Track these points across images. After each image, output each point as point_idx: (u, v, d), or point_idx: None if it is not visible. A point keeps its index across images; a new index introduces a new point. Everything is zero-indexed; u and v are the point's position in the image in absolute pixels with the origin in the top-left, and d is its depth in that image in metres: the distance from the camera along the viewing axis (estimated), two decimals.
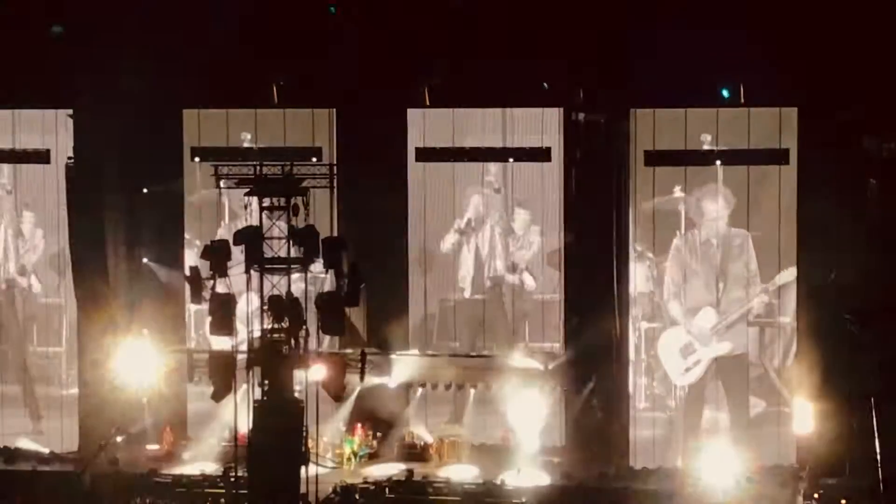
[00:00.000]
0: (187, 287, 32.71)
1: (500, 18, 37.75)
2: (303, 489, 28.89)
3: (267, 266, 28.60)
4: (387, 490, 35.62)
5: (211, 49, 37.59)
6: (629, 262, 38.29)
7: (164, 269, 40.98)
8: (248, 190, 29.50)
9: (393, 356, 39.01)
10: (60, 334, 40.63)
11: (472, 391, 39.61)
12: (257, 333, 28.53)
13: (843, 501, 35.35)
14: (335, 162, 37.65)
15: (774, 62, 35.69)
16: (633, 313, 38.39)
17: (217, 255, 28.64)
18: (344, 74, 38.65)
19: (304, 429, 28.39)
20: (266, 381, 28.16)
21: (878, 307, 36.96)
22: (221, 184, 30.03)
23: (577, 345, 39.04)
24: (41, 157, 40.07)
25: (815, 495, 35.67)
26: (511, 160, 39.23)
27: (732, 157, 37.56)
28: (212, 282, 28.64)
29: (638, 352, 38.46)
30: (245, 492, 29.25)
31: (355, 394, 38.20)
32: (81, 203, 39.62)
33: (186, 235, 40.44)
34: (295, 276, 28.79)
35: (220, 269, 28.50)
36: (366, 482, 36.26)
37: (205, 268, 29.01)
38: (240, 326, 29.34)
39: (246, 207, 29.46)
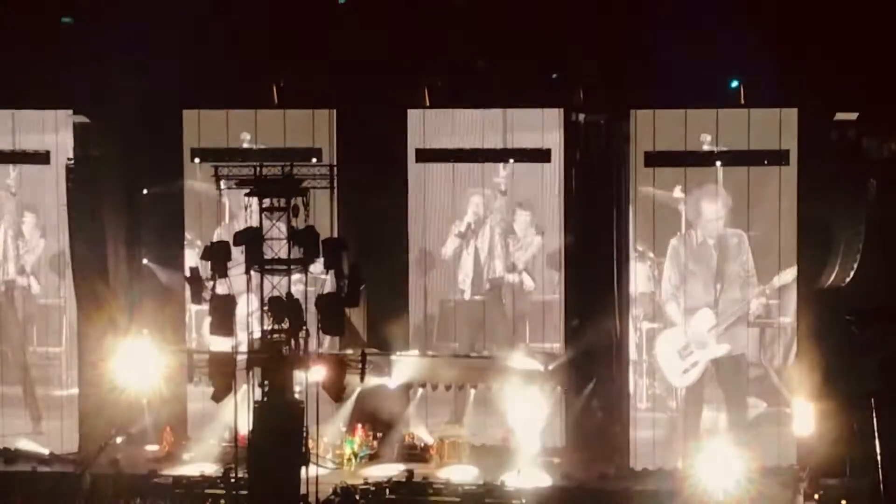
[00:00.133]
0: (187, 287, 32.67)
1: (500, 19, 37.77)
2: (303, 490, 28.84)
3: (267, 267, 28.57)
4: (387, 491, 35.63)
5: (211, 49, 37.59)
6: (629, 262, 38.27)
7: (165, 270, 40.99)
8: (248, 191, 29.46)
9: (393, 357, 39.01)
10: (60, 335, 40.60)
11: (473, 392, 39.62)
12: (257, 334, 28.49)
13: (844, 502, 35.37)
14: (335, 163, 37.61)
15: (774, 63, 35.71)
16: (633, 313, 38.38)
17: (217, 255, 28.61)
18: (344, 74, 38.65)
19: (305, 429, 28.34)
20: (266, 382, 28.12)
21: (879, 307, 36.98)
22: (221, 184, 29.98)
23: (578, 345, 39.10)
24: (41, 158, 40.03)
25: (816, 496, 35.69)
26: (511, 161, 39.22)
27: (733, 158, 37.56)
28: (212, 282, 28.61)
29: (639, 352, 38.43)
30: (245, 493, 29.19)
31: (355, 395, 38.23)
32: (81, 203, 39.63)
33: (187, 236, 40.42)
34: (295, 276, 28.76)
35: (220, 269, 28.47)
36: (366, 483, 36.29)
37: (205, 268, 28.98)
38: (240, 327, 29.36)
39: (246, 208, 29.40)
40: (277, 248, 28.64)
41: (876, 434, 35.39)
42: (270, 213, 28.70)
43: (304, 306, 28.28)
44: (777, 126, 37.38)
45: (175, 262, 40.29)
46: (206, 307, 29.12)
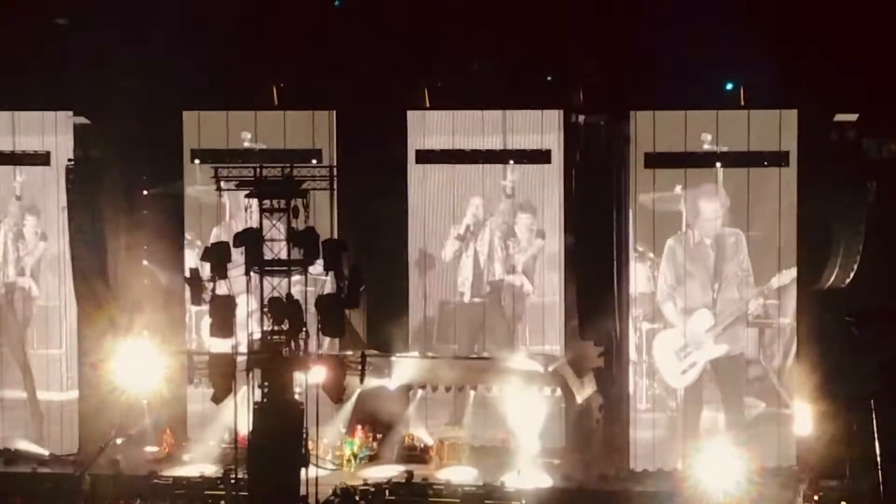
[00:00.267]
0: (187, 289, 32.66)
1: (500, 20, 37.77)
2: (303, 491, 28.85)
3: (267, 268, 28.57)
4: (387, 492, 35.64)
5: (211, 49, 37.59)
6: (629, 263, 38.24)
7: (165, 271, 40.97)
8: (248, 192, 29.45)
9: (393, 358, 39.00)
10: (60, 336, 40.58)
11: (472, 393, 39.62)
12: (257, 335, 28.50)
13: (843, 503, 35.35)
14: (335, 164, 37.61)
15: (774, 64, 35.71)
16: (633, 314, 38.35)
17: (217, 256, 28.60)
18: (344, 75, 38.64)
19: (304, 431, 28.36)
20: (266, 384, 28.12)
21: (879, 308, 36.98)
22: (222, 185, 29.96)
23: (577, 346, 39.05)
24: (41, 159, 40.02)
25: (816, 497, 35.68)
26: (511, 162, 39.21)
27: (733, 160, 37.51)
28: (212, 283, 28.60)
29: (639, 352, 38.40)
30: (245, 494, 29.20)
31: (355, 396, 38.25)
32: (81, 204, 39.60)
33: (187, 236, 40.41)
34: (295, 277, 28.76)
35: (220, 270, 28.46)
36: (366, 484, 36.29)
37: (205, 269, 28.97)
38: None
39: (246, 209, 29.38)
40: (277, 249, 28.65)
41: (876, 435, 35.40)
42: (270, 214, 28.71)
43: (303, 307, 28.29)
44: (777, 127, 37.36)
45: (175, 264, 40.29)
46: (205, 308, 29.14)
